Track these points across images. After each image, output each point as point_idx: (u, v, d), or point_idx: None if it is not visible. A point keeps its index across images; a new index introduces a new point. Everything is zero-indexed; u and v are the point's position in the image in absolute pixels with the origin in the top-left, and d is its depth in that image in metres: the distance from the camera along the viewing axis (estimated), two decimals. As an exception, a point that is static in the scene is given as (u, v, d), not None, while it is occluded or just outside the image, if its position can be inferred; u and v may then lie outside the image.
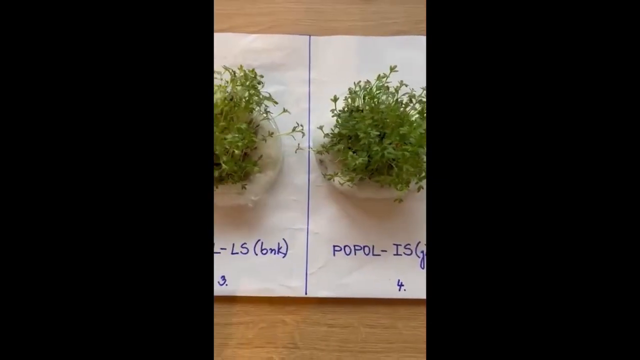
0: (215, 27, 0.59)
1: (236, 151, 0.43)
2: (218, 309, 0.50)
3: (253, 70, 0.50)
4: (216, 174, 0.45)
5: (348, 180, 0.47)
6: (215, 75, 0.49)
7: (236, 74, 0.49)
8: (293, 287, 0.50)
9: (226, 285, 0.50)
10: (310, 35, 0.59)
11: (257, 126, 0.51)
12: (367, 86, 0.47)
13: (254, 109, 0.48)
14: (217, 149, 0.44)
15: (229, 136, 0.43)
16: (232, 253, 0.51)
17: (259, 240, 0.52)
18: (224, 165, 0.43)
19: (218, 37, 0.58)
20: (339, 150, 0.47)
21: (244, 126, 0.45)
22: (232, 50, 0.58)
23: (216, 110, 0.46)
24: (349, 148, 0.46)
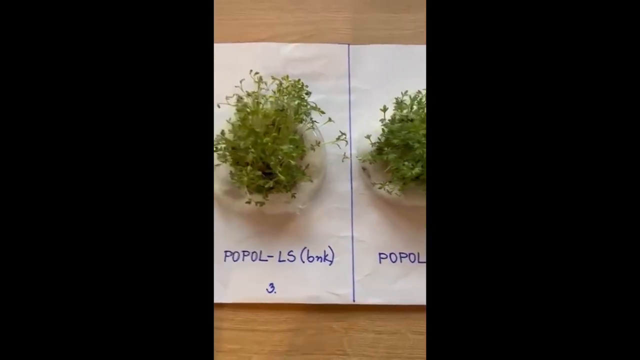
0: (256, 36, 0.60)
1: (292, 162, 0.44)
2: (266, 316, 0.50)
3: (299, 80, 0.51)
4: (270, 184, 0.45)
5: (399, 189, 0.48)
6: (262, 85, 0.50)
7: (282, 84, 0.50)
8: (341, 295, 0.50)
9: (275, 292, 0.50)
10: (349, 44, 0.59)
11: (302, 135, 0.51)
12: (418, 96, 0.48)
13: (303, 119, 0.48)
14: (272, 160, 0.44)
15: (285, 147, 0.43)
16: (279, 261, 0.52)
17: (305, 248, 0.52)
18: (280, 176, 0.44)
19: (258, 47, 0.59)
20: (388, 159, 0.47)
21: (297, 137, 0.45)
22: (273, 59, 0.58)
23: (267, 121, 0.47)
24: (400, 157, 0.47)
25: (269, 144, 0.45)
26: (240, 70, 0.57)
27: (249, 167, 0.44)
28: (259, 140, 0.44)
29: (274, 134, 0.45)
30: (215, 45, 0.59)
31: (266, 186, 0.45)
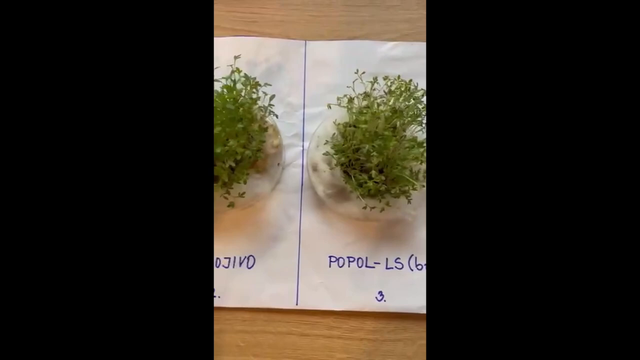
0: (350, 34, 0.58)
1: (422, 166, 0.42)
2: (374, 325, 0.49)
3: (411, 80, 0.49)
4: (397, 189, 0.43)
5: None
6: (376, 87, 0.48)
7: (393, 84, 0.48)
8: (453, 304, 0.49)
9: (384, 301, 0.49)
10: (448, 43, 0.57)
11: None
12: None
13: (422, 122, 0.46)
14: (398, 164, 0.42)
15: (415, 150, 0.42)
16: (387, 268, 0.50)
17: (412, 255, 0.50)
18: (412, 181, 0.42)
19: (353, 44, 0.57)
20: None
21: (421, 140, 0.43)
22: (370, 58, 0.56)
23: (388, 123, 0.45)
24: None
25: (390, 147, 0.43)
26: (332, 69, 0.56)
27: (373, 172, 0.42)
28: (383, 144, 0.42)
29: (396, 136, 0.44)
30: (307, 43, 0.58)
31: (392, 191, 0.43)
